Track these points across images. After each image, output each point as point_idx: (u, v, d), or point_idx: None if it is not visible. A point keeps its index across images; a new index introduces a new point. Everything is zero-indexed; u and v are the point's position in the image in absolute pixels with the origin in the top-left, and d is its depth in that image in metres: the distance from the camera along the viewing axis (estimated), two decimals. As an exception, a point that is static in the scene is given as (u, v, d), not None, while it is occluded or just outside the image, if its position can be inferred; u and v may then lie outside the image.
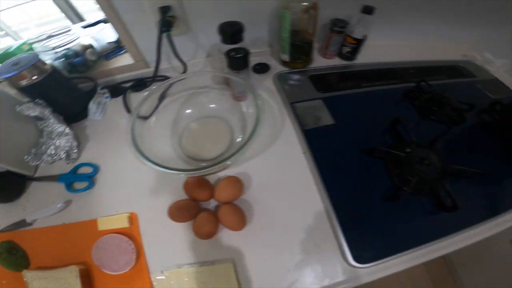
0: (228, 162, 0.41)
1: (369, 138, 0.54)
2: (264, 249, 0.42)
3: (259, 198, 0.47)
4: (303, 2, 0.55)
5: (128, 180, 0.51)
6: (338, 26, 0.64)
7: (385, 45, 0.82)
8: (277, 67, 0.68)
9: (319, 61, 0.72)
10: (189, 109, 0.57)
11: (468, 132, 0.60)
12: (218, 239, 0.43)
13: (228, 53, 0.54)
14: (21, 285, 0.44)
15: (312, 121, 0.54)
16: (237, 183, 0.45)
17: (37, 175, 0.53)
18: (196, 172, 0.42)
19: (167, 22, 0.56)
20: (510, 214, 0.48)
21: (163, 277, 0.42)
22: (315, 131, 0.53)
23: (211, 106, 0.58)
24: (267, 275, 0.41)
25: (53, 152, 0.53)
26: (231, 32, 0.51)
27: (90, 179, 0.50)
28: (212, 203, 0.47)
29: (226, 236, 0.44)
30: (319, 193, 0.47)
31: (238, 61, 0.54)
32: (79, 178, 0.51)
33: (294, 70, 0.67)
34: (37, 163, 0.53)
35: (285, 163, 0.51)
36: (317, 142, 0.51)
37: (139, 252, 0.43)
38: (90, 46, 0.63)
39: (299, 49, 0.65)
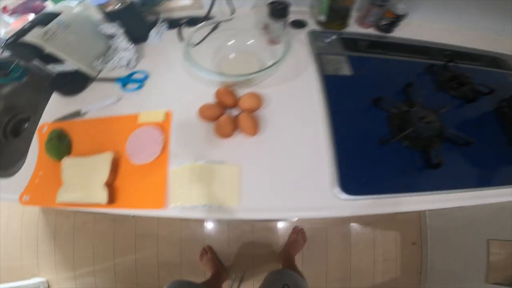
0: (251, 76, 0.53)
1: (379, 93, 0.59)
2: (267, 161, 0.52)
3: (273, 117, 0.56)
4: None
5: (171, 86, 0.64)
6: (380, 0, 0.67)
7: (427, 26, 0.82)
8: (312, 26, 0.74)
9: (354, 28, 0.76)
10: (231, 41, 0.68)
11: (478, 111, 0.62)
12: (232, 143, 0.54)
13: (271, 3, 0.63)
14: (55, 176, 0.54)
15: (332, 70, 0.62)
16: (257, 97, 0.55)
17: (98, 77, 0.69)
18: (231, 78, 0.54)
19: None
20: (491, 191, 0.51)
21: (178, 168, 0.51)
22: (333, 77, 0.61)
23: (248, 43, 0.68)
24: (262, 186, 0.50)
25: (117, 61, 0.68)
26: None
27: (141, 82, 0.65)
28: (235, 113, 0.57)
29: (239, 142, 0.54)
30: (325, 127, 0.55)
31: (278, 11, 0.63)
32: (133, 81, 0.66)
33: (327, 31, 0.72)
34: (102, 67, 0.69)
35: (301, 96, 0.59)
36: (332, 86, 0.59)
37: (165, 145, 0.55)
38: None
39: (336, 13, 0.70)
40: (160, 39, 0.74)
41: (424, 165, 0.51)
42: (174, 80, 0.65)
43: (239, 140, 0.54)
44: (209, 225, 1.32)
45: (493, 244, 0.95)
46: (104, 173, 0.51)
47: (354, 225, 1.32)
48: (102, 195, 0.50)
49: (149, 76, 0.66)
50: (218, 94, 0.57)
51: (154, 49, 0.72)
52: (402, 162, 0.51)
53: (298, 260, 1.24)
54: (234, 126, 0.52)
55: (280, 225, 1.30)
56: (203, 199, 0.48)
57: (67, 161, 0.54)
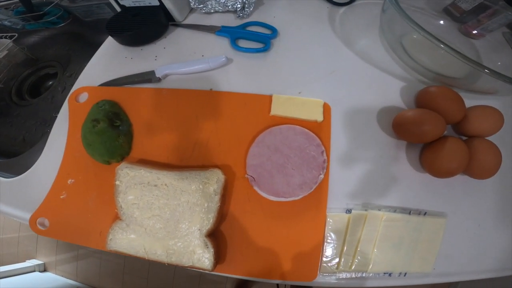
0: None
1: None
2: (481, 213, 0.31)
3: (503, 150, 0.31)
4: None
5: (322, 60, 0.38)
6: None
7: None
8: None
9: None
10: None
11: None
12: (445, 184, 0.31)
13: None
14: (103, 192, 0.30)
15: None
16: (496, 115, 0.30)
17: (184, 22, 0.42)
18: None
19: None
20: None
21: (343, 216, 0.29)
22: None
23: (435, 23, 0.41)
24: (469, 243, 0.30)
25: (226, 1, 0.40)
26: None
27: (269, 40, 0.38)
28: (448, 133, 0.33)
29: (456, 183, 0.31)
30: None
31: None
32: (253, 36, 0.39)
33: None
34: (198, 7, 0.41)
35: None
36: None
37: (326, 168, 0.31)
38: None
39: None
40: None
41: None
42: (324, 50, 0.38)
43: (458, 180, 0.31)
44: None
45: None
46: (210, 214, 0.27)
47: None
48: (201, 254, 0.26)
49: (278, 34, 0.39)
50: (431, 96, 0.32)
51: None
52: None
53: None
54: (466, 160, 0.29)
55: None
56: (381, 265, 0.29)
57: (126, 172, 0.29)
